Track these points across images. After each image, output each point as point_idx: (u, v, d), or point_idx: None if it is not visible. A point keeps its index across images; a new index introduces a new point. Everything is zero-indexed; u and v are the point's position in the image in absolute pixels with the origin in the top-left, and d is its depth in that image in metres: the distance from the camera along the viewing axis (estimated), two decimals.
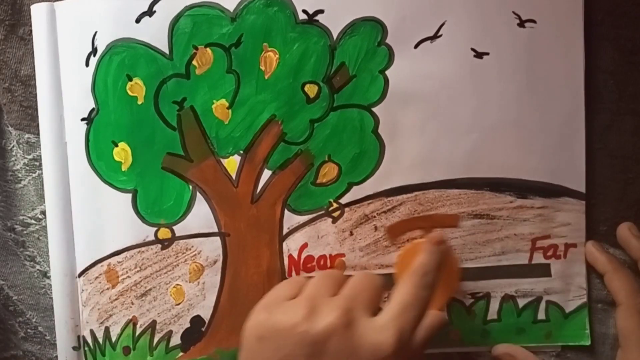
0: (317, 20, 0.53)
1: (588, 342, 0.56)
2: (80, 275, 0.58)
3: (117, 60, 0.54)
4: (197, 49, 0.54)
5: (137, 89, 0.55)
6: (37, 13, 0.56)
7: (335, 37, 0.53)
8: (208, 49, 0.54)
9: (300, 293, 0.49)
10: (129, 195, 0.56)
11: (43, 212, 0.59)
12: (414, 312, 0.46)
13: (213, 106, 0.54)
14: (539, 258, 0.55)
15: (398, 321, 0.45)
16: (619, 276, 0.53)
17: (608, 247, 0.55)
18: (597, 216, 0.55)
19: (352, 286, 0.48)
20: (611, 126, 0.54)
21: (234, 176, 0.55)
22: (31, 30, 0.57)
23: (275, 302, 0.49)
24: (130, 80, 0.54)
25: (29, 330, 0.61)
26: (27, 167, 0.59)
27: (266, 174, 0.55)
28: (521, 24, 0.52)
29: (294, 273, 0.56)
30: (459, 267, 0.55)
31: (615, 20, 0.53)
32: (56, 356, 0.59)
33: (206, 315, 0.57)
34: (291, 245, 0.56)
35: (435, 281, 0.48)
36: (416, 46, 0.53)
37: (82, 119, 0.56)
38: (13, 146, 0.59)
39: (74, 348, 0.58)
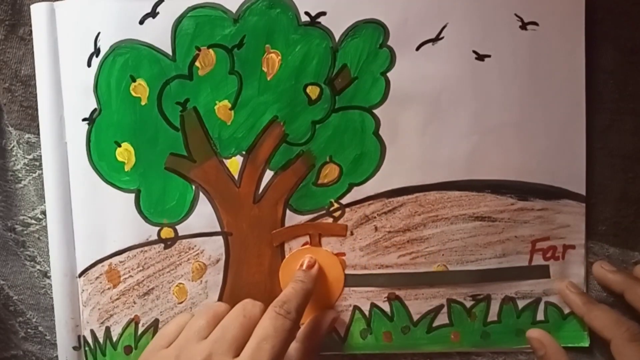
0: (319, 22, 0.53)
1: (587, 343, 0.56)
2: (80, 275, 0.58)
3: (120, 62, 0.54)
4: (199, 50, 0.54)
5: (140, 89, 0.55)
6: (37, 13, 0.56)
7: (337, 39, 0.54)
8: (211, 50, 0.54)
9: (175, 339, 0.50)
10: (132, 195, 0.56)
11: (43, 212, 0.59)
12: (273, 342, 0.46)
13: (216, 107, 0.55)
14: (538, 260, 0.56)
15: (256, 356, 0.45)
16: (596, 314, 0.53)
17: (608, 247, 0.55)
18: (597, 216, 0.55)
19: (221, 326, 0.49)
20: (611, 126, 0.55)
21: (236, 176, 0.56)
22: (31, 30, 0.56)
23: (152, 352, 0.50)
24: (134, 81, 0.55)
25: (29, 330, 0.61)
26: (27, 167, 0.59)
27: (268, 174, 0.56)
28: (523, 26, 0.53)
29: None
30: (341, 266, 0.56)
31: (615, 19, 0.54)
32: (56, 356, 0.59)
33: None
34: (292, 245, 0.56)
35: (298, 311, 0.50)
36: (418, 48, 0.54)
37: (84, 119, 0.56)
38: (13, 146, 0.59)
39: (74, 348, 0.58)
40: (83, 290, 0.58)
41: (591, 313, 0.53)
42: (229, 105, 0.55)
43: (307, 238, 0.56)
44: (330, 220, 0.56)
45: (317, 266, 0.55)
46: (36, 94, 0.57)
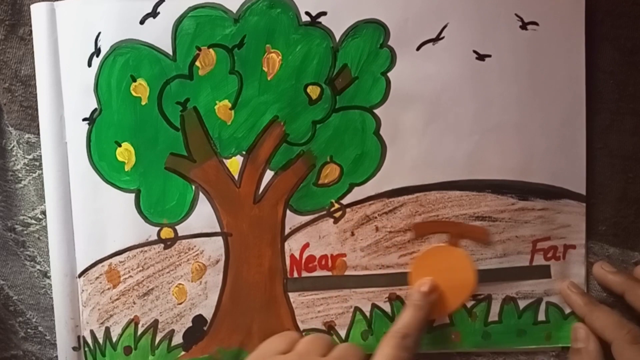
0: (320, 22, 0.54)
1: None
2: (80, 275, 0.58)
3: (121, 61, 0.54)
4: (200, 50, 0.54)
5: (141, 89, 0.55)
6: (37, 13, 0.56)
7: (337, 39, 0.54)
8: (211, 49, 0.54)
9: (292, 349, 0.51)
10: (132, 195, 0.56)
11: (43, 212, 0.59)
12: None
13: (216, 107, 0.55)
14: (539, 260, 0.56)
15: None
16: (598, 315, 0.53)
17: (608, 247, 0.55)
18: (597, 215, 0.55)
19: (339, 350, 0.50)
20: (611, 126, 0.55)
21: (236, 176, 0.56)
22: (31, 30, 0.56)
23: (268, 354, 0.51)
24: (134, 81, 0.55)
25: (29, 330, 0.61)
26: (27, 167, 0.59)
27: (268, 174, 0.56)
28: (523, 26, 0.53)
29: (295, 273, 0.57)
30: (474, 270, 0.55)
31: (615, 20, 0.54)
32: (56, 356, 0.59)
33: (208, 314, 0.57)
34: (293, 245, 0.56)
35: (417, 342, 0.50)
36: (418, 48, 0.54)
37: (84, 119, 0.56)
38: (13, 146, 0.59)
39: (74, 348, 0.58)
40: (83, 290, 0.58)
41: (592, 314, 0.53)
42: (229, 105, 0.55)
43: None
44: (331, 220, 0.56)
45: (436, 293, 0.54)
46: (36, 94, 0.57)
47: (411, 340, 0.49)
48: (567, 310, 0.56)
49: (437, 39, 0.54)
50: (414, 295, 0.54)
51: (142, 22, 0.54)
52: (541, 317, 0.56)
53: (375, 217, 0.56)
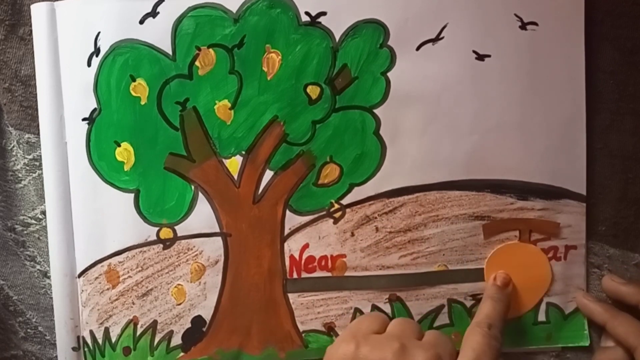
0: (320, 22, 0.54)
1: (587, 343, 0.56)
2: (80, 275, 0.57)
3: (120, 61, 0.54)
4: (199, 49, 0.54)
5: (140, 89, 0.55)
6: (37, 13, 0.56)
7: (337, 39, 0.54)
8: (211, 49, 0.54)
9: (385, 330, 0.50)
10: (131, 195, 0.56)
11: (43, 212, 0.59)
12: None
13: (215, 107, 0.55)
14: None
15: None
16: (620, 322, 0.52)
17: (608, 248, 0.55)
18: (597, 216, 0.55)
19: (433, 335, 0.49)
20: (611, 126, 0.55)
21: (235, 176, 0.56)
22: (31, 30, 0.56)
23: (362, 333, 0.50)
24: (134, 80, 0.55)
25: (29, 330, 0.61)
26: (27, 167, 0.59)
27: (268, 174, 0.55)
28: (523, 26, 0.53)
29: (295, 274, 0.56)
30: (549, 266, 0.56)
31: (615, 20, 0.54)
32: (56, 356, 0.59)
33: (207, 315, 0.57)
34: (292, 246, 0.56)
35: (503, 333, 0.50)
36: (418, 48, 0.54)
37: (83, 119, 0.56)
38: (13, 146, 0.59)
39: (73, 349, 0.58)
40: (82, 290, 0.58)
41: (615, 320, 0.53)
42: (229, 105, 0.55)
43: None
44: (331, 221, 0.56)
45: (511, 285, 0.54)
46: (36, 94, 0.57)
47: (497, 330, 0.49)
48: (567, 311, 0.56)
49: (437, 39, 0.53)
50: (489, 289, 0.54)
51: (141, 21, 0.54)
52: (541, 317, 0.56)
53: (375, 218, 0.56)
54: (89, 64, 0.55)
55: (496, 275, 0.55)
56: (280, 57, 0.54)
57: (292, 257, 0.56)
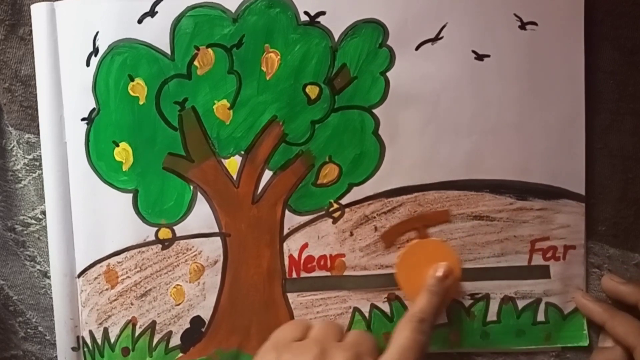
0: (319, 22, 0.53)
1: (586, 343, 0.56)
2: (79, 275, 0.58)
3: (119, 61, 0.54)
4: (198, 49, 0.54)
5: (138, 89, 0.55)
6: (37, 13, 0.56)
7: (336, 39, 0.54)
8: (209, 49, 0.54)
9: (307, 336, 0.51)
10: (130, 195, 0.56)
11: (43, 212, 0.59)
12: (415, 356, 0.47)
13: (214, 107, 0.55)
14: (538, 260, 0.55)
15: None
16: (619, 321, 0.52)
17: (608, 248, 0.55)
18: (597, 216, 0.55)
19: (354, 335, 0.50)
20: (611, 126, 0.54)
21: (234, 176, 0.55)
22: (31, 30, 0.56)
23: (283, 342, 0.50)
24: (132, 80, 0.55)
25: (29, 330, 0.61)
26: (27, 167, 0.59)
27: (267, 174, 0.55)
28: (522, 26, 0.53)
29: (294, 274, 0.56)
30: (460, 269, 0.55)
31: (615, 20, 0.54)
32: (56, 356, 0.59)
33: (206, 315, 0.57)
34: (292, 246, 0.56)
35: (433, 327, 0.50)
36: (417, 48, 0.54)
37: (83, 119, 0.56)
38: (13, 146, 0.59)
39: (73, 349, 0.58)
40: (82, 290, 0.58)
41: (614, 320, 0.52)
42: (228, 104, 0.55)
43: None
44: (330, 220, 0.56)
45: (452, 276, 0.54)
46: (36, 94, 0.57)
47: (428, 324, 0.49)
48: (567, 311, 0.56)
49: (436, 38, 0.53)
50: (429, 281, 0.53)
51: (140, 21, 0.54)
52: (540, 317, 0.56)
53: (374, 217, 0.56)
54: (87, 64, 0.55)
55: (438, 267, 0.54)
56: (279, 57, 0.54)
57: (291, 257, 0.56)
